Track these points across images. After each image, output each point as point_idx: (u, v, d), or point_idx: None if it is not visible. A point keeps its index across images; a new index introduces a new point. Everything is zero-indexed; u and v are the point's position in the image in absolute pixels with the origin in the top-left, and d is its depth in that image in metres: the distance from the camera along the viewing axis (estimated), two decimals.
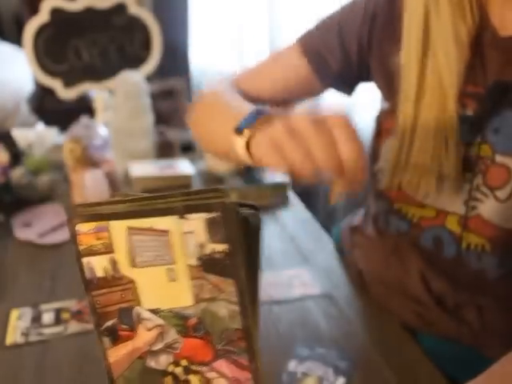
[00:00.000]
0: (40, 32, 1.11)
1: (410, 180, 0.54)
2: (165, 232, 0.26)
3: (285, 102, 0.67)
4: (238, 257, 0.25)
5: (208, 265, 0.26)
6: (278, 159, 0.38)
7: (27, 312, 0.66)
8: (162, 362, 0.28)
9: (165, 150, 1.11)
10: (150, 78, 1.19)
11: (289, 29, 1.36)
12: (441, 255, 0.56)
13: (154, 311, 0.27)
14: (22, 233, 0.84)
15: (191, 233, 0.25)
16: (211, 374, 0.28)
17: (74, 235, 0.28)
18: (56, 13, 1.11)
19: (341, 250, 0.77)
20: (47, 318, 0.65)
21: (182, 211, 0.25)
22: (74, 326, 0.63)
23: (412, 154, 0.53)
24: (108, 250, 0.27)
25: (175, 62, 1.49)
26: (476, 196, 0.52)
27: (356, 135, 0.37)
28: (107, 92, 1.18)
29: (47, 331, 0.62)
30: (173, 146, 1.12)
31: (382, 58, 0.57)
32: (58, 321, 0.64)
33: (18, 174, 0.96)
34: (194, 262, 0.26)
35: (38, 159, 1.04)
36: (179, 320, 0.27)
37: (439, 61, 0.50)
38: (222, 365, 0.27)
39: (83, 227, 0.28)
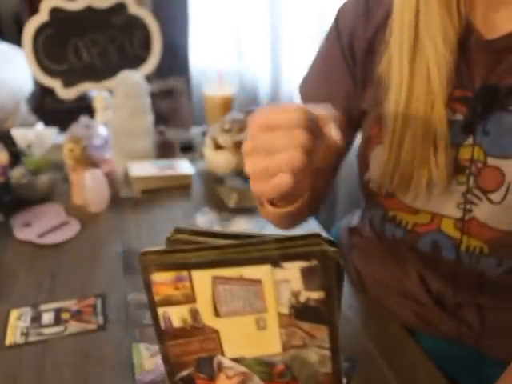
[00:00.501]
0: (39, 32, 1.11)
1: (399, 184, 0.54)
2: (256, 281, 0.25)
3: None
4: (334, 302, 0.24)
5: (301, 313, 0.25)
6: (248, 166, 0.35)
7: (27, 312, 0.66)
8: None
9: (165, 149, 1.11)
10: (149, 78, 1.19)
11: (289, 29, 1.36)
12: (439, 257, 0.56)
13: (238, 360, 0.26)
14: (22, 233, 0.84)
15: (286, 281, 0.24)
16: None
17: (148, 284, 0.26)
18: (55, 12, 1.11)
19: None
20: (47, 317, 0.65)
21: (278, 260, 0.24)
22: (73, 326, 0.63)
23: (401, 160, 0.53)
24: (188, 300, 0.26)
25: (175, 61, 1.49)
26: (470, 199, 0.52)
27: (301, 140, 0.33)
28: (107, 92, 1.18)
29: (47, 331, 0.62)
30: (173, 145, 1.12)
31: (370, 63, 0.57)
32: (57, 321, 0.64)
33: (17, 173, 0.96)
34: (286, 310, 0.25)
35: (38, 159, 1.04)
36: (264, 367, 0.26)
37: (428, 62, 0.50)
38: None
39: (160, 277, 0.25)
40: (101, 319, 0.64)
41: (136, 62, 1.20)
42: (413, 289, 0.61)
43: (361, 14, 0.58)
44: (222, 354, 0.26)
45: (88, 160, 0.95)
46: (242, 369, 0.26)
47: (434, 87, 0.50)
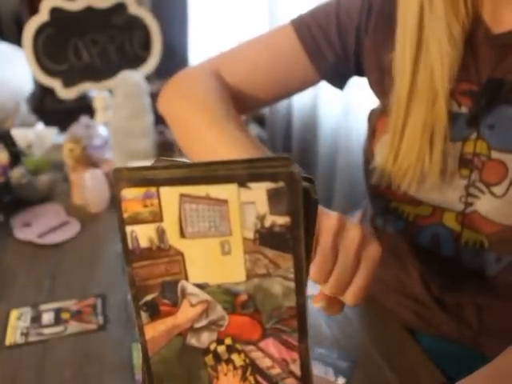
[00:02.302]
0: (40, 32, 1.11)
1: (397, 173, 0.54)
2: (223, 201, 0.23)
3: (267, 90, 0.65)
4: (300, 231, 0.23)
5: (266, 238, 0.24)
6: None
7: (27, 312, 0.66)
8: (204, 339, 0.26)
9: (164, 149, 1.11)
10: (149, 78, 1.19)
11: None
12: (439, 254, 0.56)
13: (201, 286, 0.25)
14: (22, 233, 0.84)
15: (252, 203, 0.23)
16: (256, 354, 0.26)
17: (118, 201, 0.25)
18: (56, 12, 1.11)
19: None
20: (47, 318, 0.65)
21: (245, 179, 0.23)
22: (73, 326, 0.63)
23: (401, 150, 0.54)
24: (156, 218, 0.25)
25: (174, 62, 1.49)
26: (473, 192, 0.52)
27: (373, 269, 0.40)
28: (107, 92, 1.18)
29: (47, 331, 0.62)
30: (172, 145, 1.12)
31: (376, 54, 0.57)
32: (57, 321, 0.64)
33: (17, 173, 0.96)
34: (250, 234, 0.24)
35: (38, 159, 1.04)
36: (228, 296, 0.25)
37: (432, 58, 0.50)
38: (268, 344, 0.25)
39: (130, 193, 0.25)
40: (101, 319, 0.64)
41: (136, 62, 1.20)
42: (413, 288, 0.61)
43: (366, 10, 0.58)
44: (187, 279, 0.25)
45: (88, 160, 0.95)
46: (206, 296, 0.25)
47: (437, 82, 0.50)
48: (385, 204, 0.60)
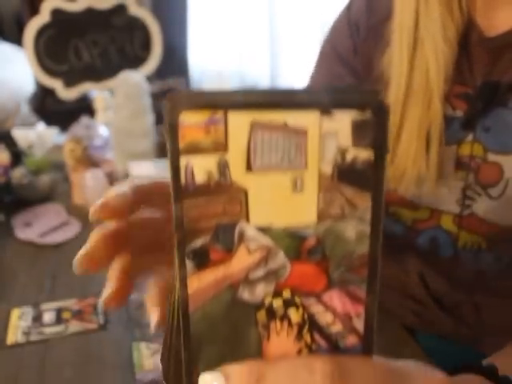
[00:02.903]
0: (41, 32, 1.11)
1: (393, 176, 0.54)
2: (301, 130, 0.20)
3: None
4: (383, 167, 0.20)
5: (345, 174, 0.21)
6: None
7: (28, 311, 0.66)
8: (259, 292, 0.22)
9: (165, 150, 1.11)
10: (149, 79, 1.19)
11: (289, 29, 1.36)
12: (438, 255, 0.57)
13: (264, 229, 0.22)
14: (23, 233, 0.84)
15: (334, 134, 0.20)
16: (317, 308, 0.22)
17: (173, 127, 0.21)
18: (56, 13, 1.12)
19: None
20: (48, 317, 0.65)
21: (330, 106, 0.20)
22: (74, 326, 0.63)
23: (397, 153, 0.54)
24: (219, 148, 0.21)
25: (174, 62, 1.49)
26: (469, 195, 0.52)
27: None
28: (107, 92, 1.18)
29: (48, 331, 0.62)
30: None
31: (368, 64, 0.58)
32: (58, 320, 0.64)
33: (18, 174, 0.96)
34: (329, 169, 0.21)
35: (39, 159, 1.04)
36: (293, 241, 0.22)
37: (427, 58, 0.50)
38: (332, 296, 0.22)
39: (190, 117, 0.20)
40: (101, 319, 0.65)
41: (136, 62, 1.20)
42: (412, 287, 0.61)
43: (354, 31, 0.59)
44: (247, 220, 0.21)
45: (88, 160, 0.96)
46: (267, 241, 0.22)
47: (432, 84, 0.51)
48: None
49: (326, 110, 0.20)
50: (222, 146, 0.21)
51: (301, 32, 1.33)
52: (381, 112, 0.20)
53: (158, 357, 0.58)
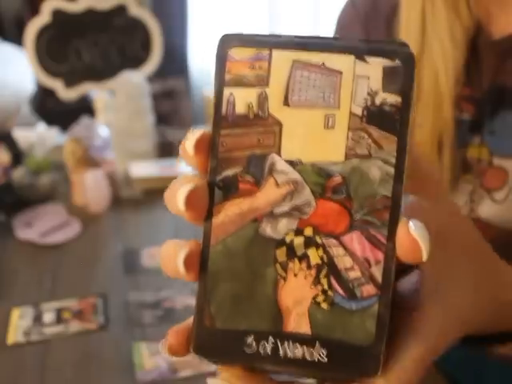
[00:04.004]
0: (41, 33, 1.11)
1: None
2: (337, 71, 0.22)
3: None
4: (409, 113, 0.22)
5: (374, 116, 0.22)
6: None
7: (28, 312, 0.66)
8: (282, 228, 0.22)
9: (165, 150, 1.12)
10: (150, 79, 1.19)
11: (288, 29, 1.36)
12: None
13: (293, 163, 0.22)
14: (23, 233, 0.85)
15: (366, 77, 0.22)
16: (336, 250, 0.22)
17: (222, 60, 0.23)
18: (57, 14, 1.12)
19: None
20: (48, 317, 0.65)
21: (364, 52, 0.22)
22: (74, 326, 0.63)
23: None
24: (261, 82, 0.22)
25: (174, 62, 1.49)
26: (474, 198, 0.52)
27: None
28: (108, 92, 1.18)
29: (48, 331, 0.63)
30: (173, 146, 1.13)
31: None
32: (59, 320, 0.64)
33: (19, 174, 0.96)
34: (359, 110, 0.22)
35: (39, 159, 1.04)
36: (320, 177, 0.22)
37: (435, 60, 0.50)
38: (353, 239, 0.22)
39: (238, 53, 0.22)
40: (102, 319, 0.65)
41: (137, 62, 1.20)
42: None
43: (363, 21, 0.58)
44: (279, 153, 0.22)
45: (89, 160, 0.96)
46: (296, 176, 0.22)
47: (442, 88, 0.50)
48: None
49: (360, 55, 0.22)
50: (264, 81, 0.22)
51: (301, 32, 1.33)
52: (408, 61, 0.22)
53: (158, 357, 0.58)
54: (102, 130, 1.07)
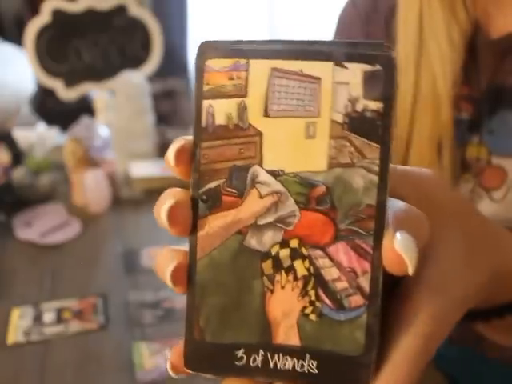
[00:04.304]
0: (41, 33, 1.11)
1: None
2: (316, 78, 0.22)
3: None
4: (391, 118, 0.21)
5: (355, 123, 0.22)
6: None
7: (28, 312, 0.66)
8: (267, 240, 0.22)
9: (165, 150, 1.11)
10: (149, 79, 1.19)
11: (288, 29, 1.36)
12: None
13: (276, 174, 0.22)
14: (23, 233, 0.85)
15: (345, 84, 0.22)
16: (323, 262, 0.22)
17: (200, 72, 0.22)
18: (57, 14, 1.12)
19: None
20: (48, 317, 0.65)
21: (343, 58, 0.21)
22: (75, 326, 0.63)
23: (408, 160, 0.53)
24: (240, 93, 0.22)
25: (174, 62, 1.49)
26: (473, 197, 0.52)
27: None
28: (108, 92, 1.18)
29: (48, 330, 0.63)
30: None
31: None
32: (59, 320, 0.64)
33: (19, 174, 0.96)
34: (340, 118, 0.22)
35: (39, 159, 1.04)
36: (303, 188, 0.22)
37: (433, 61, 0.50)
38: (338, 250, 0.22)
39: (216, 63, 0.22)
40: (102, 319, 0.65)
41: (136, 62, 1.20)
42: None
43: (364, 20, 0.58)
44: (261, 164, 0.22)
45: (89, 160, 0.96)
46: (279, 187, 0.22)
47: (440, 90, 0.50)
48: None
49: (339, 61, 0.22)
50: (243, 91, 0.22)
51: (301, 32, 1.33)
52: (390, 66, 0.21)
53: (158, 357, 0.58)
54: (101, 129, 1.07)
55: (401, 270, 0.20)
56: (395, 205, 0.22)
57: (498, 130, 0.50)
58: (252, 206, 0.22)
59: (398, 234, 0.20)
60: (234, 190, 0.22)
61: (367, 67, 0.21)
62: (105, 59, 1.18)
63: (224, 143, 0.23)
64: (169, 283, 0.22)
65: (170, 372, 0.23)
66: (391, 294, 0.23)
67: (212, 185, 0.23)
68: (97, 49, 1.17)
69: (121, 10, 1.17)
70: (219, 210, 0.23)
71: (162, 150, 1.12)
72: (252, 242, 0.22)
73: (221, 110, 0.22)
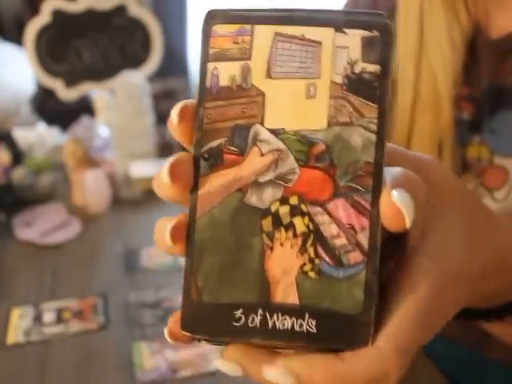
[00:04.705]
0: (41, 33, 1.11)
1: None
2: (317, 42, 0.23)
3: None
4: (388, 81, 0.22)
5: (354, 84, 0.23)
6: None
7: (28, 311, 0.66)
8: (267, 197, 0.22)
9: (165, 150, 1.12)
10: (150, 78, 1.19)
11: None
12: None
13: (276, 132, 0.23)
14: (23, 233, 0.85)
15: (345, 48, 0.23)
16: (322, 218, 0.22)
17: (207, 36, 0.23)
18: (57, 14, 1.12)
19: None
20: (48, 317, 0.65)
21: (343, 24, 0.23)
22: (75, 326, 0.63)
23: None
24: (244, 56, 0.23)
25: (174, 62, 1.49)
26: None
27: None
28: (108, 92, 1.18)
29: (48, 330, 0.62)
30: (173, 146, 1.12)
31: None
32: (59, 320, 0.64)
33: (19, 174, 0.96)
34: (339, 79, 0.23)
35: (39, 159, 1.04)
36: (303, 145, 0.22)
37: (433, 62, 0.50)
38: (338, 206, 0.22)
39: (222, 28, 0.23)
40: (102, 319, 0.65)
41: (136, 62, 1.20)
42: None
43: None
44: (262, 123, 0.23)
45: (89, 160, 0.96)
46: (279, 145, 0.22)
47: (441, 89, 0.50)
48: None
49: (339, 27, 0.23)
50: (247, 54, 0.23)
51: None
52: (387, 32, 0.23)
53: (158, 357, 0.58)
54: (102, 129, 1.07)
55: (399, 225, 0.20)
56: (392, 170, 0.22)
57: (499, 129, 0.50)
58: (253, 163, 0.23)
59: (394, 191, 0.20)
60: (235, 149, 0.23)
61: (365, 33, 0.23)
62: (105, 59, 1.18)
63: (227, 103, 0.23)
64: (168, 241, 0.22)
65: (168, 339, 0.22)
66: (393, 263, 0.23)
67: (214, 143, 0.23)
68: (97, 49, 1.17)
69: (121, 9, 1.17)
70: (221, 168, 0.23)
71: (162, 150, 1.12)
72: (252, 199, 0.22)
73: (225, 72, 0.23)
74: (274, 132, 0.23)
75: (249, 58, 0.23)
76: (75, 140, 0.95)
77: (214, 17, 0.24)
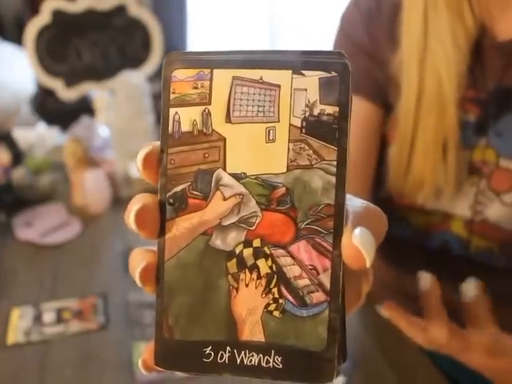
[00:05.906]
0: (41, 33, 1.11)
1: (412, 187, 0.54)
2: (275, 86, 0.23)
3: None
4: (347, 122, 0.23)
5: (312, 127, 0.23)
6: None
7: (28, 311, 0.66)
8: (231, 240, 0.24)
9: None
10: (150, 79, 1.19)
11: (289, 29, 1.36)
12: (448, 257, 0.56)
13: (238, 176, 0.24)
14: (23, 233, 0.85)
15: (303, 90, 0.23)
16: (285, 260, 0.23)
17: (167, 82, 0.24)
18: (57, 14, 1.12)
19: None
20: (48, 317, 0.65)
21: (300, 66, 0.23)
22: (75, 326, 0.63)
23: (412, 163, 0.53)
24: (203, 101, 0.24)
25: None
26: (481, 200, 0.52)
27: None
28: (108, 92, 1.18)
29: (48, 330, 0.62)
30: None
31: (381, 62, 0.57)
32: (59, 320, 0.64)
33: (19, 174, 0.96)
34: (298, 122, 0.23)
35: (39, 159, 1.04)
36: (264, 189, 0.23)
37: (438, 64, 0.50)
38: (300, 248, 0.23)
39: (182, 73, 0.24)
40: (102, 319, 0.65)
41: (136, 62, 1.20)
42: (415, 290, 0.61)
43: (367, 20, 0.58)
44: (224, 168, 0.24)
45: (89, 160, 0.96)
46: (241, 189, 0.23)
47: (445, 91, 0.50)
48: (393, 212, 0.60)
49: (296, 70, 0.23)
50: (206, 99, 0.24)
51: (301, 32, 1.34)
52: (345, 73, 0.23)
53: None
54: (101, 130, 1.07)
55: (359, 265, 0.21)
56: (354, 203, 0.23)
57: (505, 132, 0.49)
58: (216, 207, 0.24)
59: (356, 230, 0.21)
60: (199, 193, 0.24)
61: (323, 74, 0.23)
62: (105, 59, 1.18)
63: (189, 149, 0.24)
64: (139, 283, 0.23)
65: (142, 370, 0.24)
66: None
67: (178, 188, 0.24)
68: (97, 49, 1.17)
69: (121, 10, 1.17)
70: (186, 212, 0.24)
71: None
72: (217, 242, 0.24)
73: (186, 118, 0.24)
74: (235, 176, 0.24)
75: (209, 103, 0.24)
76: (75, 140, 0.95)
77: (173, 61, 0.24)
